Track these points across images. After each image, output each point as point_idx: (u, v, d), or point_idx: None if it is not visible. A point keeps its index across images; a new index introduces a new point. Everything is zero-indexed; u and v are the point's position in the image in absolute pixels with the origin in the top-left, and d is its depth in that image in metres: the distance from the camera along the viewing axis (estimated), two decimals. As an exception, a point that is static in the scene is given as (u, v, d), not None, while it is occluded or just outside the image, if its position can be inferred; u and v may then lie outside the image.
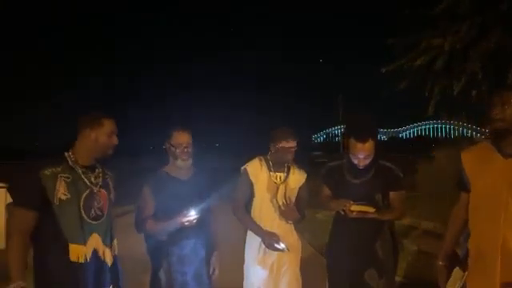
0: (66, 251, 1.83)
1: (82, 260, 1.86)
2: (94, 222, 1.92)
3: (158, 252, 2.37)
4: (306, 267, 2.74)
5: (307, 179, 2.72)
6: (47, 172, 1.85)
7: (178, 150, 2.38)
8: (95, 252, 1.92)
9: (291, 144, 2.59)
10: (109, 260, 1.97)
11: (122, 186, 2.37)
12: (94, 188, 1.96)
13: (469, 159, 2.00)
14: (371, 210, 2.25)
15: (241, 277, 2.68)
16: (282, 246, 2.48)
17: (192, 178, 2.47)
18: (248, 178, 2.64)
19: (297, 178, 2.70)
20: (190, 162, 2.44)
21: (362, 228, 2.36)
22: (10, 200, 6.22)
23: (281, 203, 2.55)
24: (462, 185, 2.00)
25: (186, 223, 2.24)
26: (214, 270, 2.53)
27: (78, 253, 1.86)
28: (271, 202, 2.60)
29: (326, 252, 2.72)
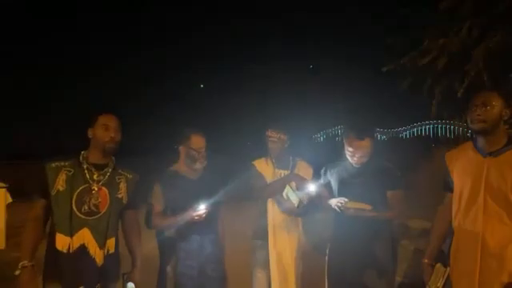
0: (55, 239, 1.92)
1: (64, 250, 1.89)
2: (85, 217, 1.92)
3: (167, 247, 2.41)
4: (306, 267, 2.75)
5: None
6: (53, 165, 1.97)
7: (197, 154, 2.41)
8: (84, 247, 1.91)
9: (271, 134, 2.60)
10: (98, 259, 1.94)
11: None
12: (93, 184, 1.97)
13: (452, 160, 2.05)
14: (367, 207, 2.27)
15: (246, 275, 2.72)
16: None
17: (202, 177, 2.49)
18: (257, 171, 2.68)
19: (302, 174, 2.65)
20: (205, 163, 2.47)
21: (361, 228, 2.37)
22: (9, 200, 6.22)
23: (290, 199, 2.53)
24: (447, 185, 2.05)
25: (196, 217, 2.27)
26: (221, 267, 2.51)
27: (63, 243, 1.90)
28: (277, 197, 2.61)
29: (326, 252, 2.73)
